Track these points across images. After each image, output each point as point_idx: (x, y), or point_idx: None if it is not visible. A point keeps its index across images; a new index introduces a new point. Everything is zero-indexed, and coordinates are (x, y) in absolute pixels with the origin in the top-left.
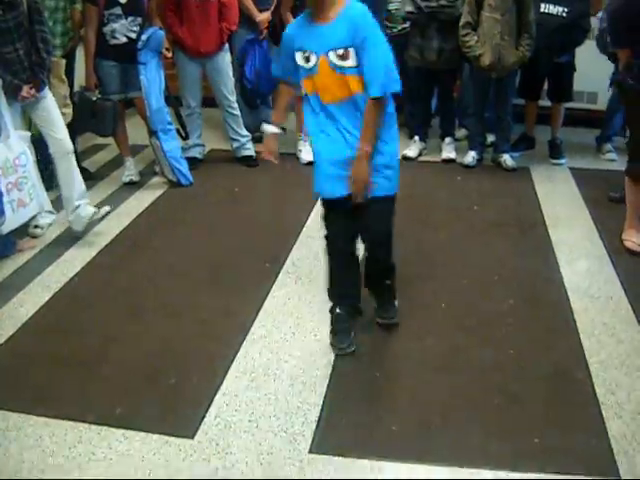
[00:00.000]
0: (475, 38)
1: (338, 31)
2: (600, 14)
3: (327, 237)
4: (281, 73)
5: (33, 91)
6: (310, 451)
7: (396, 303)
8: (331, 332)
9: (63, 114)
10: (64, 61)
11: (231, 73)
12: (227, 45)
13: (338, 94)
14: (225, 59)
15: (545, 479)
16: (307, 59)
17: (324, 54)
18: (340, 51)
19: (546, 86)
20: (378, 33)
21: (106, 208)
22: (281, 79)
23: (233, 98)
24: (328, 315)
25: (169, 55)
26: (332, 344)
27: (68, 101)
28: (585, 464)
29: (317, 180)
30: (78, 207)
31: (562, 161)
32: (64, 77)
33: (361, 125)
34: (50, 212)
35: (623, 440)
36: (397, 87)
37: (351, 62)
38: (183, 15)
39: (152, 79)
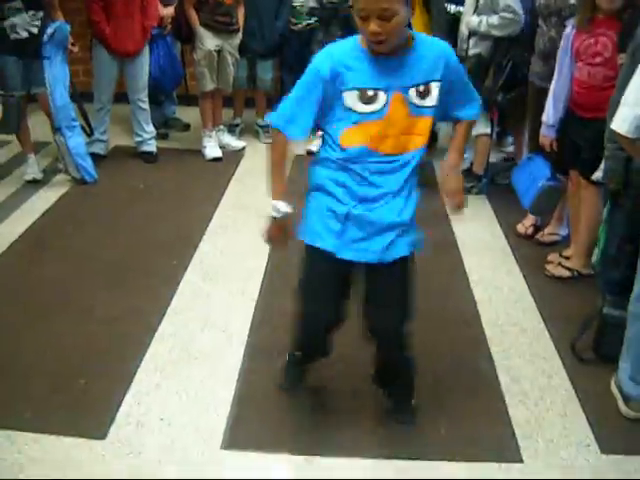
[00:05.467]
0: None
1: (418, 64)
2: None
3: (305, 314)
4: (302, 132)
5: None
6: (223, 447)
7: (413, 402)
8: (284, 369)
9: None
10: None
11: (147, 68)
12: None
13: (405, 145)
14: (145, 55)
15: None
16: (370, 100)
17: (400, 91)
18: (421, 87)
19: None
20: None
21: None
22: (296, 140)
23: (145, 92)
24: (236, 310)
25: (75, 50)
26: (281, 381)
27: None
28: (491, 451)
29: (319, 232)
30: None
31: (465, 155)
32: None
33: (402, 191)
34: None
35: (527, 426)
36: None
37: (430, 101)
38: (108, 11)
39: (57, 74)
